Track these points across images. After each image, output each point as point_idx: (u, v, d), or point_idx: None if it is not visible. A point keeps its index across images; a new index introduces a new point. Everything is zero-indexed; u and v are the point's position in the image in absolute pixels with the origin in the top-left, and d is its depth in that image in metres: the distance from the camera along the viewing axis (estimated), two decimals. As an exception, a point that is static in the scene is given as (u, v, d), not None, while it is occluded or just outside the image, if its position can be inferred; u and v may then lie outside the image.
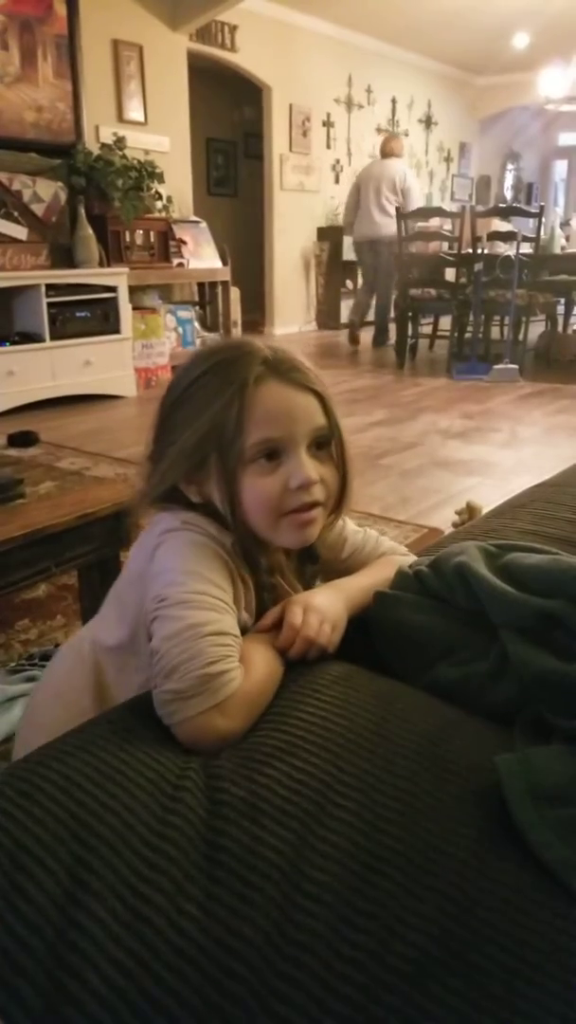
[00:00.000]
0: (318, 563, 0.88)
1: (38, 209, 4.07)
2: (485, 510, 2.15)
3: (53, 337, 4.03)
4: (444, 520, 2.37)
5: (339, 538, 0.92)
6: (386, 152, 6.12)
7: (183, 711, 0.66)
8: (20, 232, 3.99)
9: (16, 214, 3.97)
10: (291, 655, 0.74)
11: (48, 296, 3.99)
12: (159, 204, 4.78)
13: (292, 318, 7.41)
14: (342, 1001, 0.46)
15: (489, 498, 2.46)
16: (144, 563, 0.76)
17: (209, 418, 0.73)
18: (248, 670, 0.70)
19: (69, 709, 0.85)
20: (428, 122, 8.74)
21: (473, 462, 3.10)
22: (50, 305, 4.00)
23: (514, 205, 7.18)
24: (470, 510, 2.24)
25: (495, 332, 5.71)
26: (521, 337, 5.23)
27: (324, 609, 0.77)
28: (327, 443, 0.78)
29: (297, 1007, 0.46)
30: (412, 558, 0.95)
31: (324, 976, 0.47)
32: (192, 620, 0.68)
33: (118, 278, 4.36)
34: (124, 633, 0.82)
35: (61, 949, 0.48)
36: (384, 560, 0.93)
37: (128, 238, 4.66)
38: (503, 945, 0.49)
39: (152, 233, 4.82)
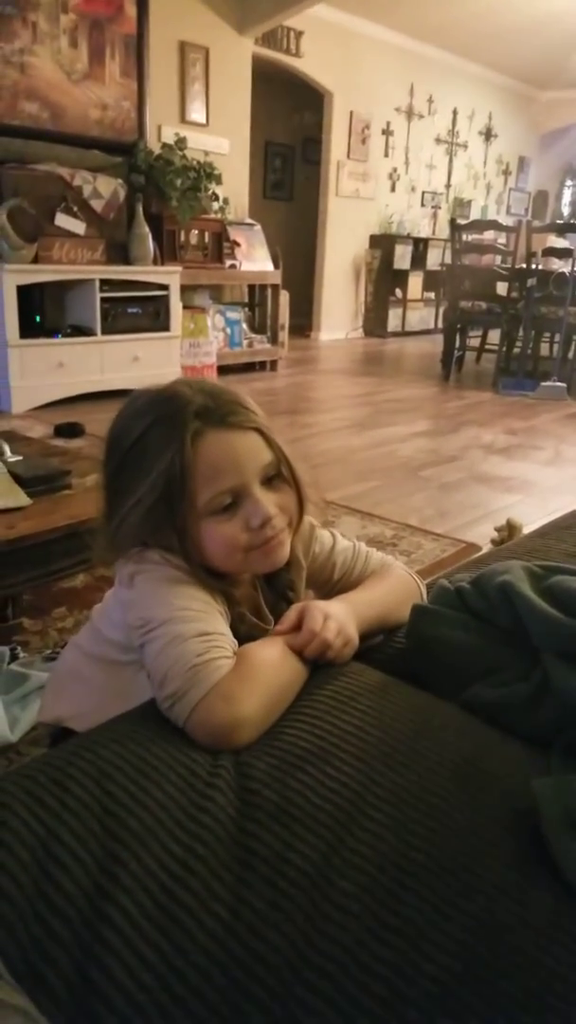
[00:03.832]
0: (290, 599, 0.87)
1: (97, 205, 4.13)
2: (525, 529, 2.13)
3: (104, 331, 4.08)
4: (482, 536, 2.35)
5: (328, 561, 0.92)
6: None
7: (183, 709, 0.67)
8: (78, 227, 4.05)
9: (76, 209, 4.03)
10: (307, 654, 0.75)
11: (102, 291, 4.04)
12: (215, 205, 4.82)
13: (339, 324, 7.41)
14: (364, 1014, 0.46)
15: (529, 516, 2.43)
16: (124, 590, 0.78)
17: (156, 483, 0.73)
18: (244, 652, 0.71)
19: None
20: (488, 134, 8.68)
21: (514, 479, 3.06)
22: (103, 300, 4.05)
23: (571, 222, 7.09)
24: (510, 528, 2.22)
25: (544, 349, 5.64)
26: (571, 355, 5.15)
27: (341, 622, 0.77)
28: (277, 472, 0.79)
29: (320, 1016, 0.46)
30: (404, 568, 0.94)
31: (348, 987, 0.47)
32: (176, 632, 0.70)
33: (171, 276, 4.40)
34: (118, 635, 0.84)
35: (89, 941, 0.49)
36: (382, 572, 0.92)
37: (183, 237, 4.71)
38: (530, 972, 0.48)
39: (207, 234, 4.87)
